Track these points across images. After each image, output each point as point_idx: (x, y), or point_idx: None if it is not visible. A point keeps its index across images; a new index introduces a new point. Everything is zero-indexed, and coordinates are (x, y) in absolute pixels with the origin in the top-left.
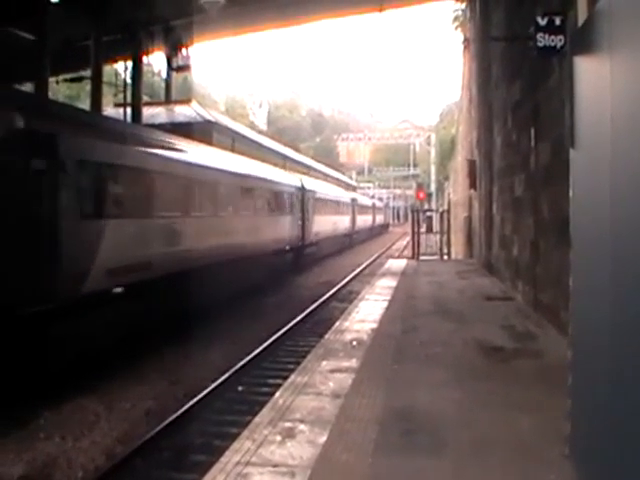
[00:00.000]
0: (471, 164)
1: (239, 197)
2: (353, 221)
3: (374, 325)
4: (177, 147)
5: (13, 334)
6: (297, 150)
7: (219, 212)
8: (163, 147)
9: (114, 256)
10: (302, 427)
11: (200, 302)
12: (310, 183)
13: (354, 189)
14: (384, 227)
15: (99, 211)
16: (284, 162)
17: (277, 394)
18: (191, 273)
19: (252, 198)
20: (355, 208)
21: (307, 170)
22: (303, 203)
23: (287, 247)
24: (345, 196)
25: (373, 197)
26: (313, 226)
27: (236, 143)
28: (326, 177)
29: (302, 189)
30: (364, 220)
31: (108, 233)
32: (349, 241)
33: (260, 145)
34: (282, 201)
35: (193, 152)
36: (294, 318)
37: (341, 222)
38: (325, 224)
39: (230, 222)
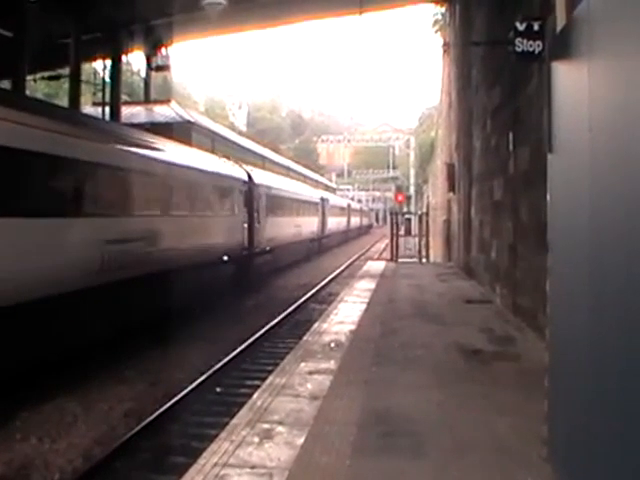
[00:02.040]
0: (450, 168)
1: (302, 207)
2: (348, 222)
3: (353, 327)
4: (288, 184)
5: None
6: (277, 152)
7: (295, 215)
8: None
9: (270, 234)
10: (280, 429)
11: (292, 259)
12: (328, 196)
13: (334, 191)
14: (369, 227)
15: (268, 213)
16: (263, 163)
17: (255, 395)
18: (285, 245)
19: (310, 209)
20: (351, 212)
21: (287, 172)
22: (323, 209)
23: (315, 237)
24: (342, 202)
25: (352, 199)
26: (327, 224)
27: (216, 144)
28: (305, 179)
29: (322, 199)
30: (356, 221)
31: (271, 223)
32: (345, 237)
33: (240, 146)
34: (313, 208)
35: (290, 185)
36: (273, 320)
37: (342, 222)
38: (333, 223)
39: (296, 221)
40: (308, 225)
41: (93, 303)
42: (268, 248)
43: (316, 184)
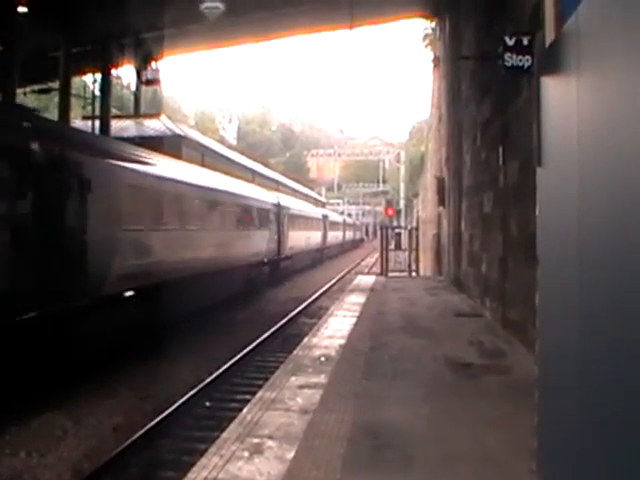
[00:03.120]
0: (440, 181)
1: (310, 223)
2: (344, 235)
3: (343, 341)
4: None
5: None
6: (267, 166)
7: (306, 229)
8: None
9: (290, 245)
10: (270, 443)
11: (304, 264)
12: (329, 213)
13: (323, 205)
14: (360, 241)
15: (289, 228)
16: (253, 177)
17: (245, 410)
18: (299, 253)
19: (316, 225)
20: (345, 227)
21: (277, 186)
22: (325, 224)
23: (319, 248)
24: (339, 218)
25: (342, 213)
26: (328, 238)
27: (206, 158)
28: (295, 192)
29: (324, 216)
30: (350, 234)
31: (290, 236)
32: (341, 249)
33: (230, 160)
34: (318, 224)
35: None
36: (263, 334)
37: (339, 236)
38: (332, 237)
39: (307, 235)
40: (314, 238)
41: (218, 279)
42: (289, 255)
43: (306, 198)
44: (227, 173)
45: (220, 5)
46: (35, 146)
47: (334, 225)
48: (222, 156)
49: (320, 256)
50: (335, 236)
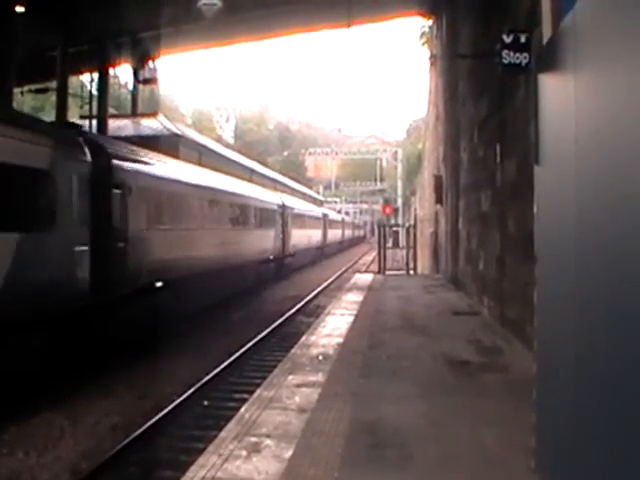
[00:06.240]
0: (437, 179)
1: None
2: (343, 234)
3: (340, 340)
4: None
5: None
6: (265, 164)
7: (336, 228)
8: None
9: (327, 239)
10: (268, 442)
11: (333, 251)
12: (345, 216)
13: (321, 203)
14: (363, 238)
15: (328, 228)
16: (250, 176)
17: (243, 409)
18: (331, 244)
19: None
20: (345, 226)
21: (274, 184)
22: (343, 224)
23: (342, 240)
24: (338, 217)
25: (339, 212)
26: (346, 233)
27: (203, 157)
28: (293, 192)
29: (343, 220)
30: (349, 233)
31: (329, 234)
32: (341, 246)
33: (227, 159)
34: (339, 225)
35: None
36: (261, 332)
37: (350, 233)
38: (349, 234)
39: (347, 229)
40: (336, 235)
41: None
42: (328, 243)
43: (303, 196)
44: (226, 172)
45: (218, 1)
46: (282, 209)
47: (350, 227)
48: (219, 155)
49: (341, 245)
50: (349, 233)
